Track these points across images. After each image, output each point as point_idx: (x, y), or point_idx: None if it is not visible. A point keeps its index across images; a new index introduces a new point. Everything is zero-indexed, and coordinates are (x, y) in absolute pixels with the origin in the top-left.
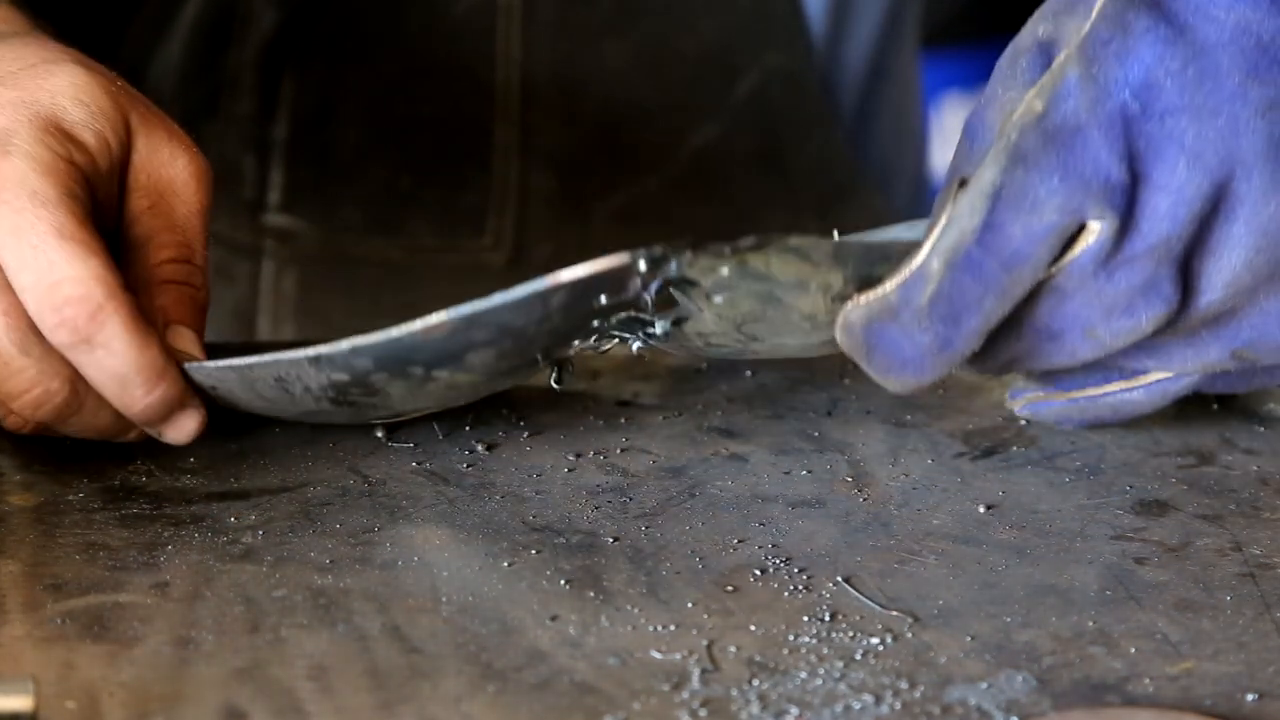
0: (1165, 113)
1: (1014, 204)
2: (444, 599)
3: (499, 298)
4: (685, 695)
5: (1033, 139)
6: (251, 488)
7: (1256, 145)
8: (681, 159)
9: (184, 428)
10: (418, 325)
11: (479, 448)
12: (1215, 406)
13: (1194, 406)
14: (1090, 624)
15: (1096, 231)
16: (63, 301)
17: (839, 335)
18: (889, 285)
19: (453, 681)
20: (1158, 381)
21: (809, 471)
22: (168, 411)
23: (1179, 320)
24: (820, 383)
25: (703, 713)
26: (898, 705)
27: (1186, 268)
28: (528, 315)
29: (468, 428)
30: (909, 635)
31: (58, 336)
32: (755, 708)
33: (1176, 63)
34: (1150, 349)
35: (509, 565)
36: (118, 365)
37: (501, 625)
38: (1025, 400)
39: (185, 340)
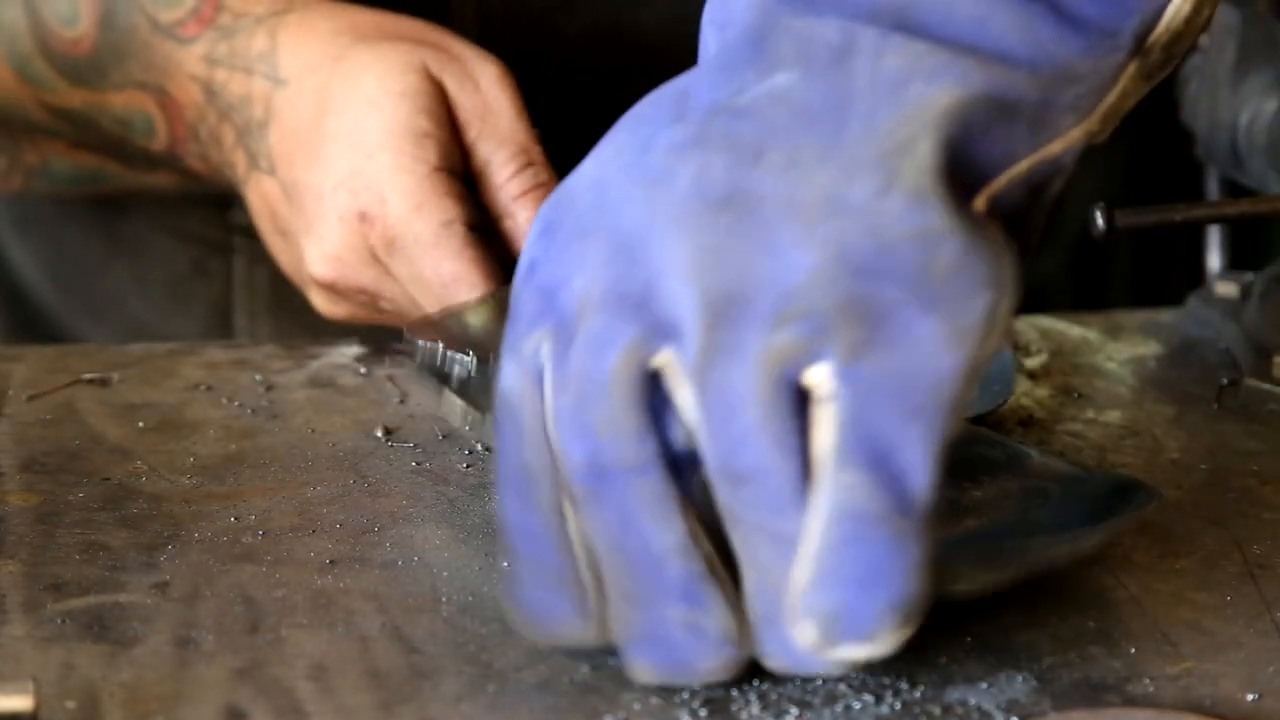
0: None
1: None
2: (444, 599)
3: None
4: (685, 695)
5: None
6: (251, 488)
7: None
8: None
9: None
10: None
11: (479, 448)
12: (1215, 406)
13: (1193, 407)
14: (1090, 624)
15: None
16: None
17: None
18: None
19: (453, 681)
20: None
21: None
22: None
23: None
24: None
25: (703, 713)
26: (898, 705)
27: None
28: None
29: (467, 428)
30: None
31: None
32: (755, 708)
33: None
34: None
35: (509, 565)
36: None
37: (501, 625)
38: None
39: None
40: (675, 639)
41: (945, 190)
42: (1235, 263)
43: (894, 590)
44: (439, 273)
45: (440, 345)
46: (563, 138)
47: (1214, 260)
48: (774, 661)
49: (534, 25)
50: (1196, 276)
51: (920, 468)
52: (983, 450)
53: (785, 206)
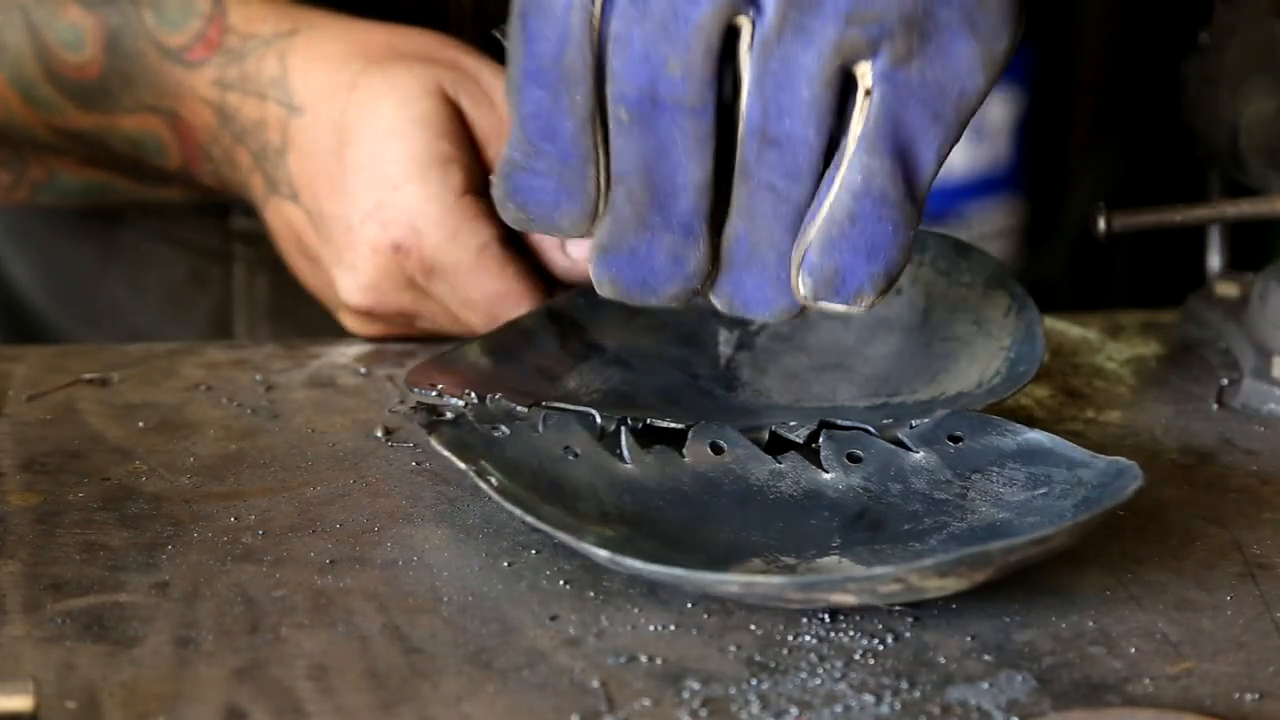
0: None
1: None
2: (444, 599)
3: None
4: (685, 695)
5: None
6: (251, 488)
7: None
8: None
9: None
10: None
11: None
12: (1215, 407)
13: (1194, 407)
14: (1090, 624)
15: None
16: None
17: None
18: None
19: (453, 681)
20: None
21: None
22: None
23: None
24: None
25: (703, 713)
26: (898, 705)
27: None
28: None
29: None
30: (909, 635)
31: None
32: (755, 708)
33: None
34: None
35: (509, 565)
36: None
37: (501, 625)
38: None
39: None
40: (655, 262)
41: None
42: (1235, 263)
43: (887, 261)
44: (484, 293)
45: (437, 391)
46: None
47: (1214, 260)
48: (722, 300)
49: None
50: (1196, 276)
51: (930, 165)
52: (995, 439)
53: None
